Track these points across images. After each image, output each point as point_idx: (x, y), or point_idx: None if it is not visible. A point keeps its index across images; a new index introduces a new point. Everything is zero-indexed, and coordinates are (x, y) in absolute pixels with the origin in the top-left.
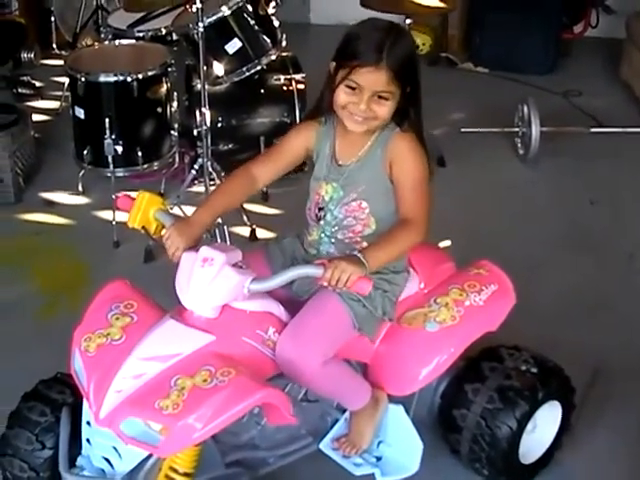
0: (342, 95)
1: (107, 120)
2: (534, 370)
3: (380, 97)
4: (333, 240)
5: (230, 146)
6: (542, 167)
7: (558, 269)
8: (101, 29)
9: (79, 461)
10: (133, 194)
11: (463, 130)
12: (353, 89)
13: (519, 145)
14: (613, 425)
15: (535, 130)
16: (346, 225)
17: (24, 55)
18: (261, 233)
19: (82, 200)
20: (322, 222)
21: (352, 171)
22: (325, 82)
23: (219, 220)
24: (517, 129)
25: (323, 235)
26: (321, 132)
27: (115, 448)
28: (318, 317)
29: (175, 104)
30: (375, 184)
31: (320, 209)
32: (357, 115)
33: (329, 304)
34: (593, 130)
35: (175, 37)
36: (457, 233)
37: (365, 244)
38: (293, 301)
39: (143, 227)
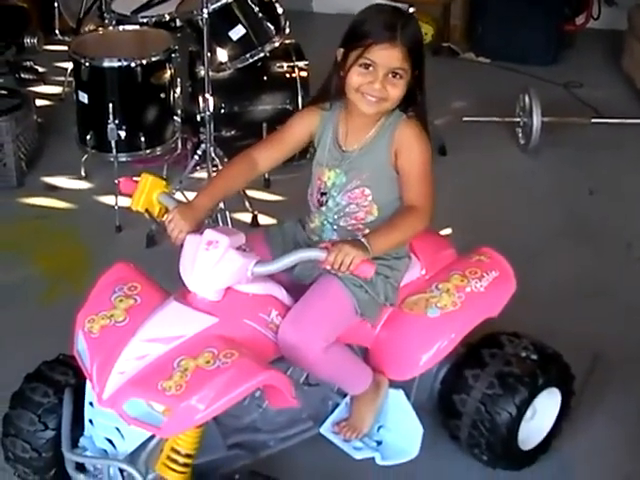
0: (355, 77)
1: (110, 105)
2: (534, 357)
3: (394, 75)
4: (335, 227)
5: (233, 132)
6: (543, 157)
7: (557, 258)
8: (105, 15)
9: (81, 442)
10: (136, 178)
11: (465, 119)
12: (367, 68)
13: (520, 135)
14: (612, 412)
15: (536, 120)
16: (348, 212)
17: (27, 40)
18: (263, 219)
19: (84, 185)
20: (324, 208)
21: (356, 157)
22: (331, 69)
23: (221, 205)
24: (518, 119)
25: (325, 222)
26: (325, 117)
27: (118, 429)
28: (320, 302)
29: (178, 90)
30: (379, 171)
31: (322, 194)
32: (371, 95)
33: (331, 289)
34: (594, 121)
35: (179, 23)
36: (458, 222)
37: (367, 231)
38: (295, 285)
39: (146, 210)
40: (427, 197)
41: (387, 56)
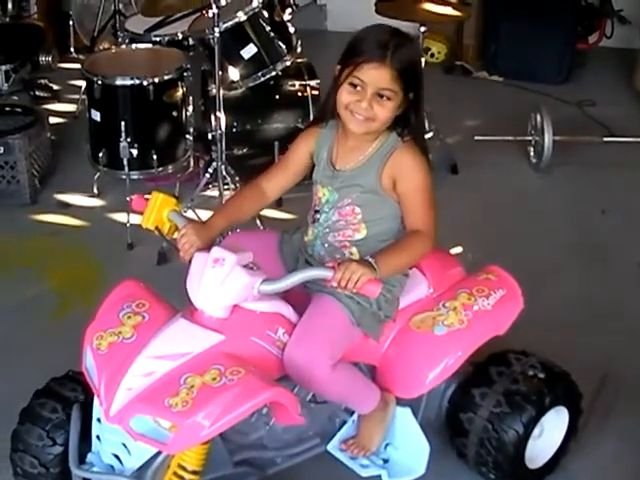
0: (345, 94)
1: (123, 123)
2: (541, 375)
3: (382, 96)
4: (325, 243)
5: (244, 151)
6: (554, 176)
7: (568, 276)
8: (118, 33)
9: (89, 457)
10: (148, 196)
11: (477, 138)
12: (356, 87)
13: (532, 154)
14: (620, 431)
15: (548, 139)
16: (337, 228)
17: (42, 58)
18: None
19: (97, 202)
20: (316, 224)
21: (348, 177)
22: (331, 86)
23: None
24: (530, 138)
25: (316, 237)
26: (322, 135)
27: (125, 445)
28: (319, 321)
29: (190, 108)
30: (369, 192)
31: (316, 211)
32: (359, 114)
33: (326, 306)
34: (606, 139)
35: (191, 42)
36: (469, 240)
37: (354, 249)
38: (304, 296)
39: (156, 227)
40: (430, 220)
41: (375, 76)
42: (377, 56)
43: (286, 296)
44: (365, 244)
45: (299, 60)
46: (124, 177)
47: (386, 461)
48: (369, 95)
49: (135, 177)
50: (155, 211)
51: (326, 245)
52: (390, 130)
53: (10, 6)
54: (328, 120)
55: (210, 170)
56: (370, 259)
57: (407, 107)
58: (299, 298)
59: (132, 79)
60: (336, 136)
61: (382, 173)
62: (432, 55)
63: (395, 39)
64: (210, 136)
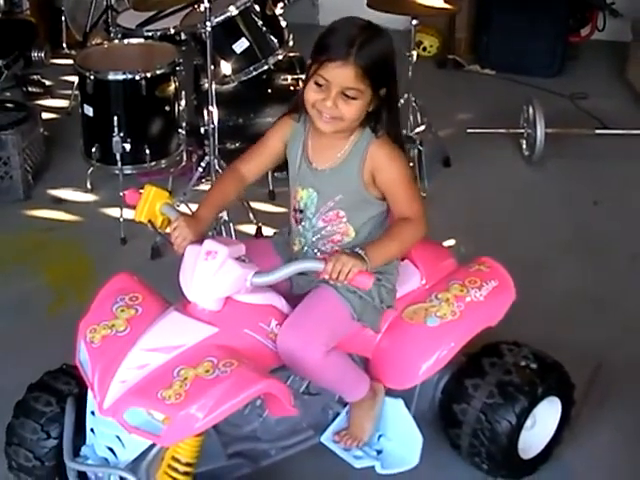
0: (310, 92)
1: (115, 118)
2: (534, 366)
3: (348, 95)
4: (316, 251)
5: (237, 145)
6: (547, 168)
7: (561, 268)
8: (110, 28)
9: (83, 450)
10: (141, 190)
11: (469, 131)
12: (321, 85)
13: (524, 146)
14: (614, 421)
15: (540, 131)
16: (325, 235)
17: (34, 54)
18: (267, 231)
19: (90, 197)
20: (301, 228)
21: (327, 178)
22: (304, 80)
23: (225, 217)
24: (522, 130)
25: (306, 247)
26: (295, 128)
27: (119, 437)
28: (317, 308)
29: (183, 103)
30: (352, 194)
31: (300, 211)
32: (325, 113)
33: (326, 297)
34: (598, 132)
35: (183, 36)
36: (462, 232)
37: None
38: (293, 296)
39: (149, 221)
40: (417, 206)
41: (339, 75)
42: (341, 54)
43: None
44: (356, 246)
45: (291, 54)
46: (117, 172)
47: (379, 452)
48: (334, 94)
49: (128, 172)
50: (148, 204)
51: (319, 254)
52: (363, 126)
53: (2, 2)
54: (301, 114)
55: (203, 164)
56: (360, 251)
57: (379, 103)
58: (285, 298)
59: (124, 74)
60: (309, 131)
61: (363, 171)
62: (424, 49)
63: (363, 35)
64: (203, 130)
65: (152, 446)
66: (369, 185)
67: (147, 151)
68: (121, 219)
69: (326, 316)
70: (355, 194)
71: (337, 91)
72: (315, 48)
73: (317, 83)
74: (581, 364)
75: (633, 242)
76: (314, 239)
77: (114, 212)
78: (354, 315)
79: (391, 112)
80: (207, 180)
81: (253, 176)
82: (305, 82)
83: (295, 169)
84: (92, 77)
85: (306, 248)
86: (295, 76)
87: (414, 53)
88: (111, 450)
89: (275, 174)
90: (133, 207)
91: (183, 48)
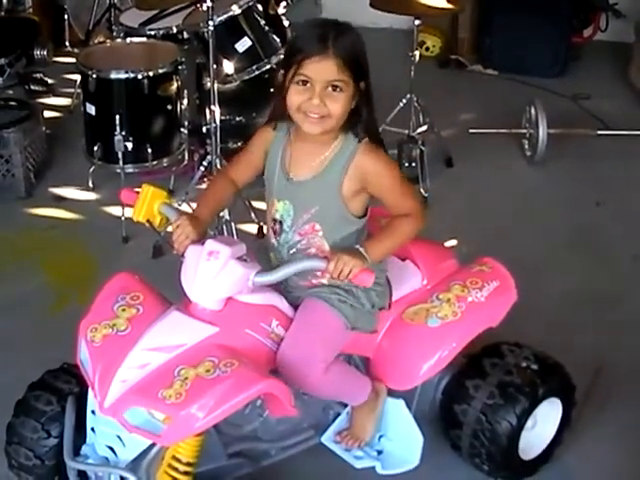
0: (294, 95)
1: (117, 117)
2: (534, 367)
3: (334, 88)
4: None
5: (239, 144)
6: (549, 169)
7: (563, 269)
8: (113, 27)
9: (84, 450)
10: (137, 189)
11: (471, 131)
12: (305, 84)
13: (526, 147)
14: (615, 423)
15: (542, 132)
16: (300, 249)
17: (37, 52)
18: None
19: (92, 196)
20: (276, 242)
21: (305, 189)
22: (276, 92)
23: (227, 217)
24: (525, 131)
25: (281, 262)
26: (275, 138)
27: (119, 437)
28: (311, 326)
29: (185, 102)
30: (329, 208)
31: (280, 223)
32: (312, 113)
33: (318, 312)
34: (600, 132)
35: (186, 35)
36: (464, 233)
37: (319, 273)
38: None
39: (148, 220)
40: (412, 202)
41: (321, 69)
42: (318, 49)
43: None
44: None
45: None
46: (119, 171)
47: (380, 452)
48: (318, 90)
49: (130, 171)
50: (146, 204)
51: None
52: (345, 132)
53: (5, 0)
54: (278, 124)
55: (205, 163)
56: (360, 248)
57: (359, 99)
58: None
59: (127, 73)
60: (287, 142)
61: (343, 183)
62: (427, 49)
63: (334, 30)
64: (205, 129)
65: (152, 445)
66: (348, 199)
67: (149, 150)
68: (123, 218)
69: (321, 332)
70: (332, 208)
71: (322, 87)
72: (287, 54)
73: (301, 82)
74: (582, 365)
75: (636, 243)
76: (290, 252)
77: (116, 211)
78: (348, 325)
79: (369, 108)
80: (209, 179)
81: (243, 180)
82: (282, 90)
83: (273, 180)
84: (94, 76)
85: (282, 263)
86: None
87: (417, 53)
88: (111, 449)
89: None
90: (129, 206)
91: (185, 47)
